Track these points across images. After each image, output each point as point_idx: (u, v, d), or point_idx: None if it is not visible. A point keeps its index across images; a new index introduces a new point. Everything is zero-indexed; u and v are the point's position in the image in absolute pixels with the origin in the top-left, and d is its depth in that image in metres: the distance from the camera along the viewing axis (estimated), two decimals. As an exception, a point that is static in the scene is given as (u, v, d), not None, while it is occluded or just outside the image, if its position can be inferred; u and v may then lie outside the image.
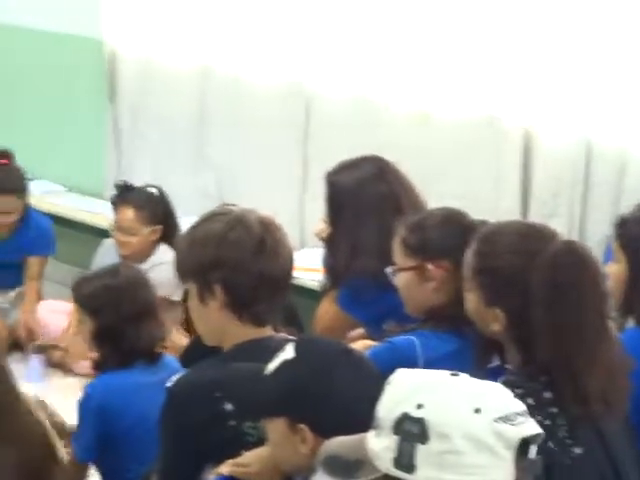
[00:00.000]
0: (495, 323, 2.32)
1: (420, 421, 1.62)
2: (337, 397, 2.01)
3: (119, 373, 3.03)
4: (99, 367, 3.10)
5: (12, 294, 4.89)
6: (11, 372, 2.52)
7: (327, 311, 3.54)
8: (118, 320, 3.01)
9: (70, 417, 3.10)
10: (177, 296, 4.24)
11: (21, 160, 4.92)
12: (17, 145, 5.54)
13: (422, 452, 1.62)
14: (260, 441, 2.21)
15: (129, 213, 4.49)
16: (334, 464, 1.70)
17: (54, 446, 2.55)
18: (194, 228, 2.41)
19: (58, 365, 4.54)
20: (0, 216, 4.66)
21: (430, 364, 2.40)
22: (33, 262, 4.84)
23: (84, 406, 3.02)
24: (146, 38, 5.28)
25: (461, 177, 4.44)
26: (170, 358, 3.14)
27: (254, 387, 2.09)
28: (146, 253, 4.49)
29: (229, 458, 2.21)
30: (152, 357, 3.06)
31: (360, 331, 3.41)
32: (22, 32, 5.75)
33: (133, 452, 2.99)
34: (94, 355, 3.10)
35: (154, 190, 4.56)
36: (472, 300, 2.38)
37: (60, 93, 5.70)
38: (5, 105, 5.96)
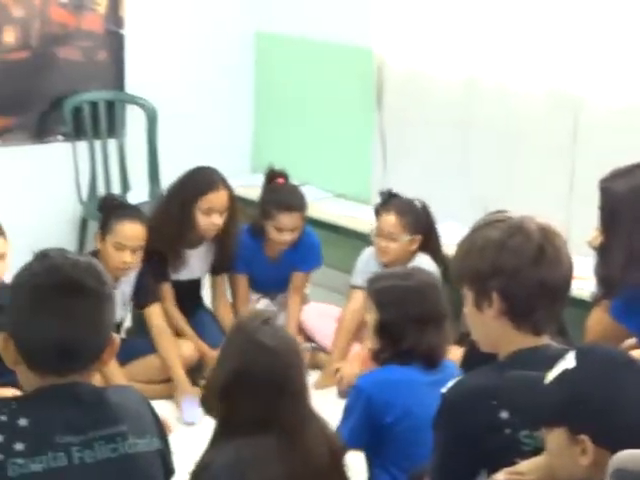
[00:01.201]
0: None
1: None
2: (623, 407, 1.95)
3: (394, 368, 3.10)
4: (376, 358, 3.18)
5: (278, 299, 5.04)
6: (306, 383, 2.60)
7: (599, 321, 3.47)
8: (401, 319, 3.09)
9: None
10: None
11: (289, 166, 5.07)
12: (286, 152, 5.73)
13: None
14: (536, 450, 2.18)
15: (391, 219, 4.55)
16: (624, 479, 1.66)
17: (340, 460, 2.61)
18: (472, 234, 2.40)
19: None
20: (287, 234, 4.80)
21: None
22: (300, 277, 4.97)
23: (354, 396, 3.11)
24: (413, 48, 5.32)
25: None
26: (450, 363, 3.16)
27: (532, 396, 2.06)
28: (405, 261, 4.52)
29: (503, 466, 2.19)
30: (431, 361, 3.09)
31: (632, 341, 3.33)
32: (293, 41, 5.92)
33: (400, 446, 3.07)
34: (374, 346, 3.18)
35: (417, 202, 4.61)
36: None
37: (329, 101, 5.83)
38: (275, 112, 6.16)
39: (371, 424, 3.07)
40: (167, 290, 4.66)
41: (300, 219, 4.81)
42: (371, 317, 3.19)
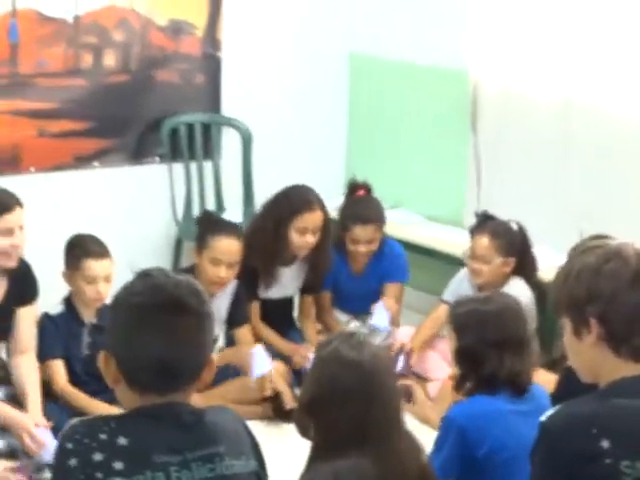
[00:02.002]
0: None
1: None
2: None
3: (483, 399, 3.07)
4: (458, 387, 3.15)
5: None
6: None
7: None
8: (479, 344, 3.06)
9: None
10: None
11: (382, 189, 5.07)
12: (378, 173, 5.73)
13: None
14: (637, 481, 2.15)
15: (484, 241, 4.53)
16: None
17: (426, 466, 2.60)
18: (569, 261, 2.37)
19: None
20: (362, 246, 4.82)
21: None
22: (389, 288, 4.97)
23: (446, 426, 3.08)
24: (508, 69, 5.30)
25: None
26: (540, 389, 3.13)
27: (634, 425, 2.03)
28: (498, 284, 4.49)
29: (603, 496, 2.17)
30: (517, 388, 3.06)
31: None
32: (388, 63, 5.93)
33: (493, 478, 3.02)
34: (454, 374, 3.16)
35: (513, 224, 4.58)
36: None
37: (423, 123, 5.83)
38: (368, 134, 6.17)
39: (463, 456, 3.03)
40: (255, 308, 4.70)
41: (375, 231, 4.82)
42: (451, 344, 3.17)
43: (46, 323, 4.11)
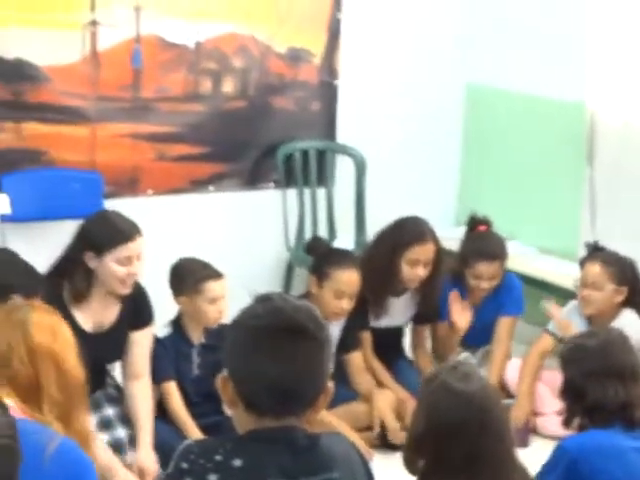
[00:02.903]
0: None
1: None
2: None
3: (598, 432, 3.01)
4: (567, 422, 3.11)
5: (479, 353, 5.00)
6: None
7: None
8: (581, 375, 3.02)
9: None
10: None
11: (495, 220, 5.03)
12: (492, 205, 5.70)
13: None
14: None
15: (595, 268, 4.49)
16: None
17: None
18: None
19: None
20: (485, 282, 4.78)
21: None
22: (504, 322, 4.92)
23: (558, 455, 3.01)
24: (627, 101, 5.23)
25: None
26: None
27: None
28: (608, 315, 4.43)
29: None
30: (630, 420, 3.01)
31: None
32: (504, 94, 5.91)
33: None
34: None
35: (625, 257, 4.52)
36: None
37: (538, 155, 5.78)
38: (482, 164, 6.15)
39: None
40: (367, 338, 4.69)
41: (499, 268, 4.78)
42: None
43: (156, 346, 4.14)
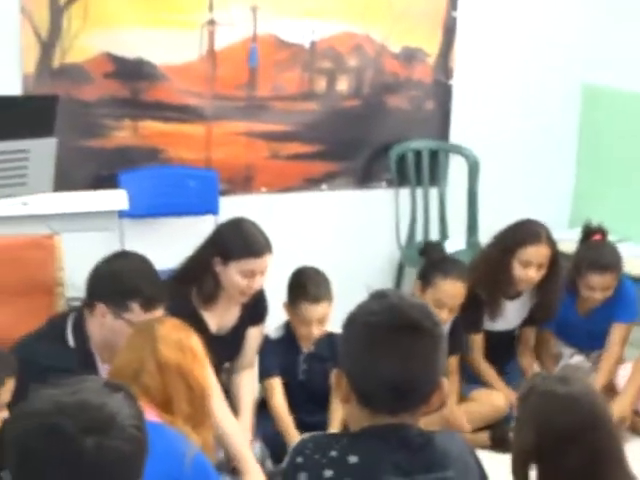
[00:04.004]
0: None
1: None
2: None
3: None
4: None
5: (592, 357, 4.93)
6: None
7: None
8: None
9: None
10: None
11: (609, 222, 4.96)
12: (606, 206, 5.62)
13: None
14: None
15: None
16: None
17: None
18: None
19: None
20: (598, 293, 4.70)
21: None
22: (617, 328, 4.82)
23: None
24: None
25: None
26: None
27: None
28: None
29: None
30: None
31: None
32: (621, 94, 5.82)
33: None
34: None
35: None
36: None
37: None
38: (597, 165, 6.06)
39: None
40: (478, 340, 4.66)
41: (613, 279, 4.69)
42: None
43: (266, 345, 4.18)
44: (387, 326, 2.11)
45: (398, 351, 2.09)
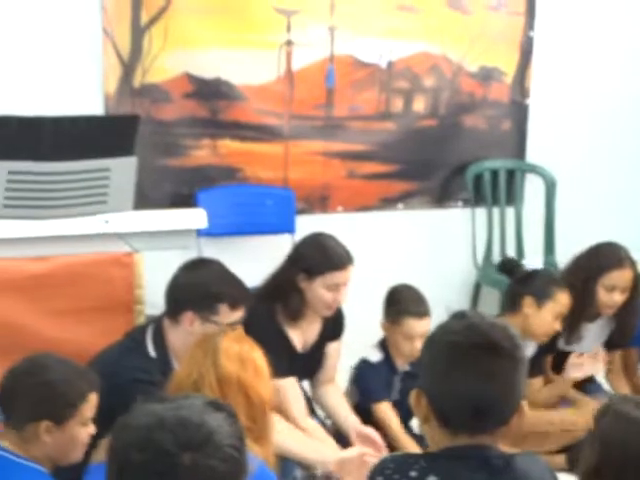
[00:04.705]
0: None
1: None
2: None
3: None
4: None
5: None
6: None
7: None
8: None
9: None
10: None
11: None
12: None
13: None
14: None
15: None
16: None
17: None
18: None
19: None
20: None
21: None
22: None
23: None
24: None
25: None
26: None
27: None
28: None
29: None
30: None
31: None
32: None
33: None
34: None
35: None
36: None
37: None
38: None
39: None
40: (547, 362, 4.64)
41: None
42: None
43: (368, 369, 4.19)
44: (467, 345, 2.11)
45: (477, 371, 2.10)
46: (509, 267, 4.59)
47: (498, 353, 2.11)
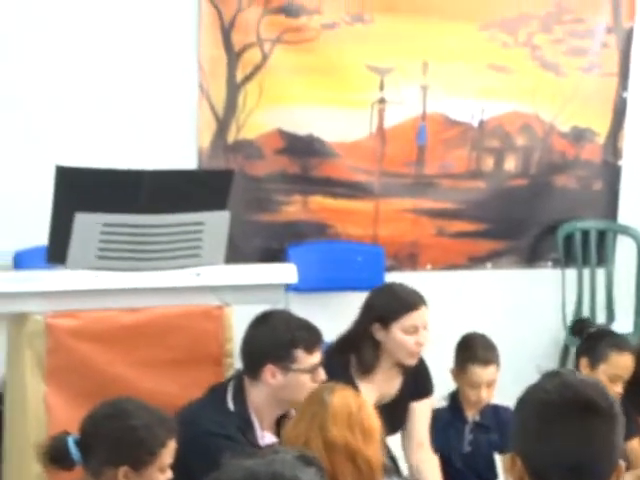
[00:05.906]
0: None
1: None
2: None
3: None
4: None
5: None
6: None
7: None
8: None
9: None
10: None
11: None
12: None
13: None
14: None
15: None
16: None
17: None
18: None
19: None
20: None
21: None
22: None
23: None
24: None
25: None
26: None
27: None
28: None
29: None
30: None
31: None
32: None
33: None
34: None
35: None
36: None
37: None
38: None
39: None
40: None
41: None
42: None
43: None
44: (561, 404, 2.07)
45: (574, 431, 2.06)
46: (579, 328, 4.52)
47: (593, 412, 2.07)
